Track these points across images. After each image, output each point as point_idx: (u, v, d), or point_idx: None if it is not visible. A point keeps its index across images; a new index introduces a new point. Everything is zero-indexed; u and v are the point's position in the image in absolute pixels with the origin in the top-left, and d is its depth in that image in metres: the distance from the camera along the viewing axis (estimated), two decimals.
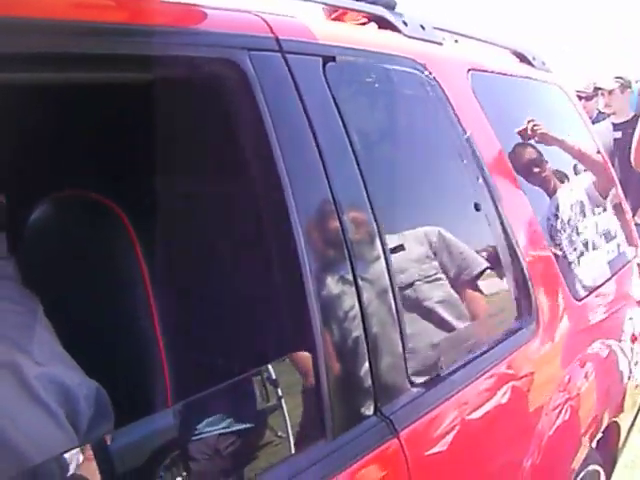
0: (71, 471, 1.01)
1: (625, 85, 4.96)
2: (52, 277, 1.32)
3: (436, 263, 1.67)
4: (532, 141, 2.30)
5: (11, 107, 1.39)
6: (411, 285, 1.55)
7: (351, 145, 1.43)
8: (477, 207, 1.80)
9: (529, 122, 2.21)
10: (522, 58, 2.68)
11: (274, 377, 1.28)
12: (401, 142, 1.69)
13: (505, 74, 2.40)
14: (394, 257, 1.46)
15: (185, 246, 1.57)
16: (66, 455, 1.02)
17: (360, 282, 1.35)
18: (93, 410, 1.18)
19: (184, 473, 1.20)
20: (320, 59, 1.46)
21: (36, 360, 1.12)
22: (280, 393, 1.28)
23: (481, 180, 1.83)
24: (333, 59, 1.49)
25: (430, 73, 1.82)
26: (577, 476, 2.10)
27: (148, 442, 1.16)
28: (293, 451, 1.26)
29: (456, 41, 2.45)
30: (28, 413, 1.07)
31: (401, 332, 1.42)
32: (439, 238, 1.69)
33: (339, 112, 1.43)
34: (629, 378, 2.54)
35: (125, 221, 1.31)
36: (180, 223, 1.57)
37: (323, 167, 1.34)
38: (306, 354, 1.26)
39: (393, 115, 1.67)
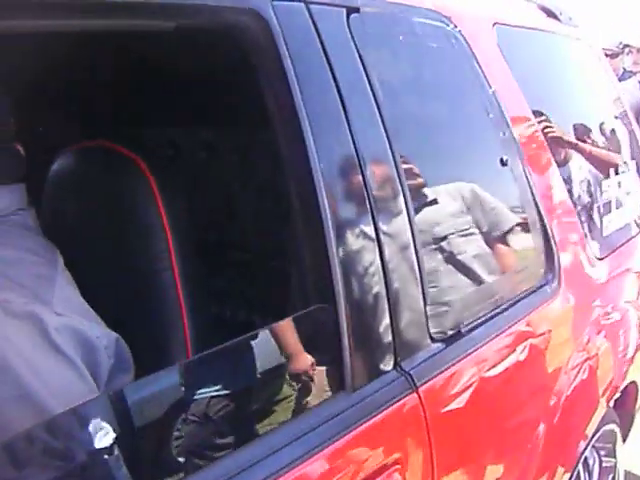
0: (91, 421, 1.02)
1: None
2: (72, 228, 1.32)
3: (467, 218, 1.65)
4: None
5: (27, 56, 1.37)
6: (435, 240, 1.54)
7: (375, 98, 1.40)
8: (503, 162, 1.78)
9: (540, 123, 2.12)
10: (549, 13, 2.62)
11: (294, 331, 1.28)
12: (425, 95, 1.66)
13: (531, 29, 2.35)
14: (422, 211, 1.45)
15: (206, 198, 1.56)
16: (86, 405, 1.02)
17: (382, 236, 1.34)
18: (113, 361, 1.18)
19: (203, 426, 1.20)
20: (344, 10, 1.43)
21: (56, 311, 1.12)
22: (300, 346, 1.28)
23: (507, 135, 1.80)
24: (357, 10, 1.46)
25: (455, 26, 1.78)
26: (594, 435, 2.11)
27: (167, 394, 1.17)
28: (313, 404, 1.26)
29: None
30: (49, 364, 1.08)
31: (423, 288, 1.41)
32: (472, 193, 1.67)
33: (363, 64, 1.40)
34: None
35: (146, 172, 1.30)
36: (201, 175, 1.56)
37: (346, 119, 1.32)
38: (326, 308, 1.26)
39: (417, 68, 1.64)
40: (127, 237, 1.29)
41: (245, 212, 1.67)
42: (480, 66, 1.81)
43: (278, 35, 1.25)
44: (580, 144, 2.36)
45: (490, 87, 1.81)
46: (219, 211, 1.71)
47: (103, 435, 0.98)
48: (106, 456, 0.98)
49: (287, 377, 1.29)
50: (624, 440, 2.46)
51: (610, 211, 2.44)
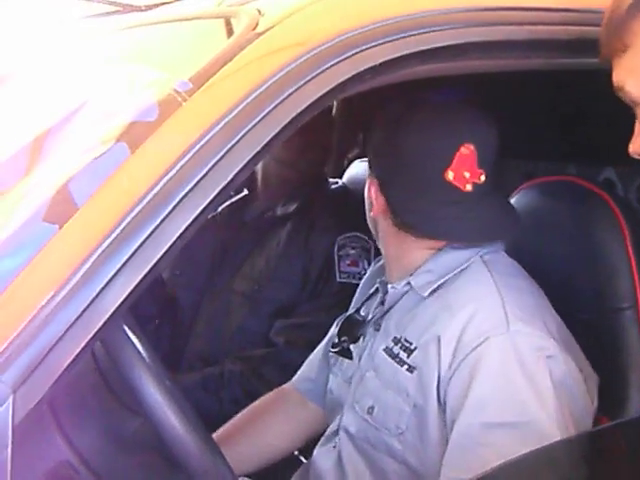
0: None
1: None
2: (531, 260, 1.33)
3: None
4: None
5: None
6: None
7: None
8: None
9: None
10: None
11: None
12: None
13: None
14: None
15: None
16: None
17: None
18: (595, 404, 1.19)
19: None
20: None
21: (560, 346, 1.14)
22: None
23: None
24: None
25: None
26: None
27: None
28: None
29: None
30: (550, 394, 1.10)
31: None
32: None
33: None
34: None
35: (615, 208, 1.27)
36: None
37: None
38: None
39: None
40: (593, 272, 1.28)
41: None
42: None
43: None
44: None
45: None
46: None
47: None
48: None
49: None
50: None
51: None
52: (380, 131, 1.26)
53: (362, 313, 1.36)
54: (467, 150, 1.17)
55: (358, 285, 1.51)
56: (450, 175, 1.17)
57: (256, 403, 1.50)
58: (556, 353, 1.12)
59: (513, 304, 1.14)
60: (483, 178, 1.19)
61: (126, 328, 1.00)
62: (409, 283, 1.23)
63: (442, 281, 1.20)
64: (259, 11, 0.89)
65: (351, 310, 1.42)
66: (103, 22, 1.22)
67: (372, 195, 1.25)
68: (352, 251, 1.79)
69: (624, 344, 1.27)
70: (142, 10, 1.25)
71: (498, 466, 0.94)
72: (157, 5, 1.26)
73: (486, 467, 0.96)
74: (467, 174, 1.18)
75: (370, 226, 1.33)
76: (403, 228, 1.22)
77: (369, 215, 1.31)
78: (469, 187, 1.18)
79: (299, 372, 1.53)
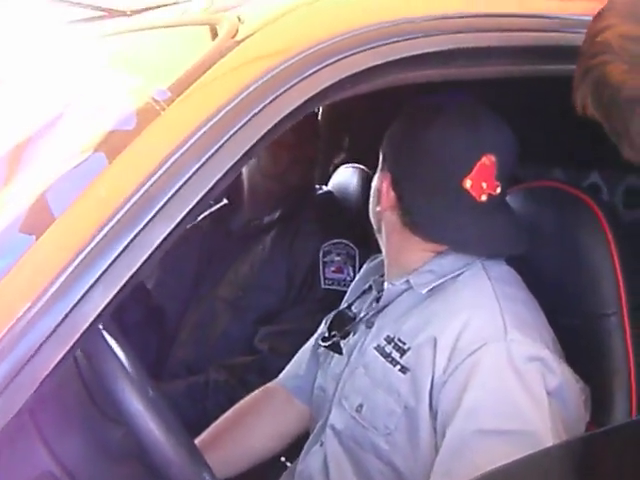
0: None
1: None
2: (519, 265, 1.32)
3: None
4: None
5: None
6: None
7: None
8: None
9: None
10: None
11: None
12: None
13: None
14: None
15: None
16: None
17: None
18: (588, 419, 1.19)
19: None
20: None
21: (556, 358, 1.14)
22: None
23: None
24: None
25: None
26: None
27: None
28: None
29: None
30: (543, 404, 1.09)
31: None
32: None
33: None
34: None
35: (598, 212, 1.27)
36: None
37: None
38: None
39: None
40: (577, 278, 1.28)
41: None
42: None
43: None
44: None
45: None
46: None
47: None
48: None
49: None
50: None
51: None
52: (403, 127, 1.25)
53: (354, 310, 1.36)
54: (488, 161, 1.18)
55: (343, 291, 1.51)
56: (468, 183, 1.18)
57: (241, 403, 1.50)
58: (552, 363, 1.12)
59: (511, 313, 1.14)
60: (499, 190, 1.20)
61: (109, 338, 1.00)
62: (408, 281, 1.23)
63: (442, 281, 1.20)
64: (239, 18, 0.89)
65: (342, 306, 1.42)
66: (87, 28, 1.21)
67: (383, 189, 1.24)
68: (337, 258, 1.79)
69: (609, 350, 1.27)
70: (127, 15, 1.25)
71: (487, 472, 0.94)
72: (142, 10, 1.26)
73: (476, 474, 0.95)
74: (484, 184, 1.19)
75: (372, 220, 1.31)
76: (410, 227, 1.22)
77: (374, 209, 1.29)
78: (484, 197, 1.19)
79: (285, 370, 1.52)
